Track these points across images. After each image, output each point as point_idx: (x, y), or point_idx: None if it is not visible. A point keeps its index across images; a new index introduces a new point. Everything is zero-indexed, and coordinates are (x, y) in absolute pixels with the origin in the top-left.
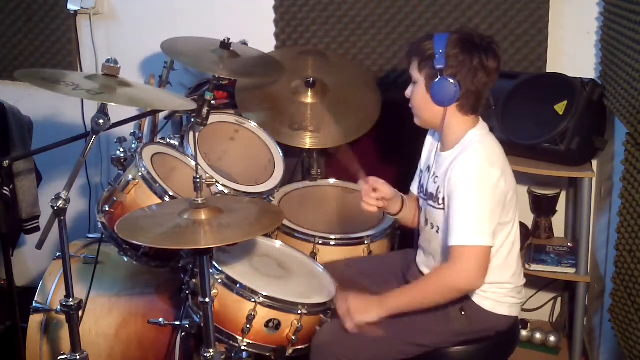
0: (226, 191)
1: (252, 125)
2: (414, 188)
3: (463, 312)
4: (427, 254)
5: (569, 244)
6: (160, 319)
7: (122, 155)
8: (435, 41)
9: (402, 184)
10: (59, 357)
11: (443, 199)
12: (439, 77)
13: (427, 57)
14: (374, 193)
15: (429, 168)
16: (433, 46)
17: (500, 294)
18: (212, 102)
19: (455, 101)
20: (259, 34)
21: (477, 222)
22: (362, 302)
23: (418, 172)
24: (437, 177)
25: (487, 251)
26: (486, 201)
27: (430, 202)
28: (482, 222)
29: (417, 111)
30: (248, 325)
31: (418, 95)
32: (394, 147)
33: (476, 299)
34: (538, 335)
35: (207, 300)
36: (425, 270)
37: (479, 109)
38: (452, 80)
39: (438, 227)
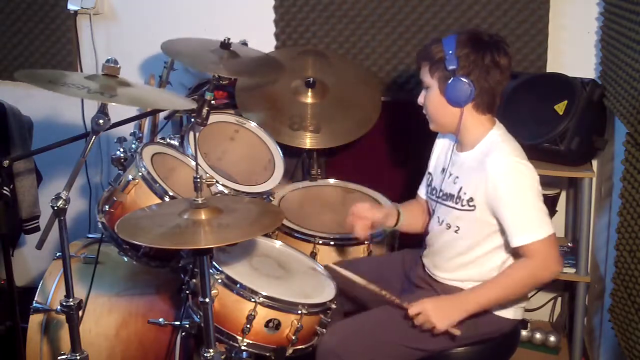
0: (226, 191)
1: (252, 125)
2: (422, 192)
3: (470, 318)
4: (436, 253)
5: (569, 244)
6: (160, 319)
7: (122, 155)
8: (444, 43)
9: (401, 183)
10: (59, 357)
11: (469, 200)
12: (453, 77)
13: (437, 60)
14: (362, 221)
15: (443, 170)
16: (442, 48)
17: None
18: (212, 102)
19: (470, 100)
20: (259, 34)
21: (537, 216)
22: (441, 308)
23: (426, 175)
24: (457, 177)
25: (554, 237)
26: (535, 194)
27: (449, 203)
28: (541, 214)
29: (432, 116)
30: (248, 325)
31: (432, 99)
32: (393, 147)
33: None
34: (538, 335)
35: (207, 300)
36: (433, 270)
37: (494, 107)
38: (466, 80)
39: (458, 227)
